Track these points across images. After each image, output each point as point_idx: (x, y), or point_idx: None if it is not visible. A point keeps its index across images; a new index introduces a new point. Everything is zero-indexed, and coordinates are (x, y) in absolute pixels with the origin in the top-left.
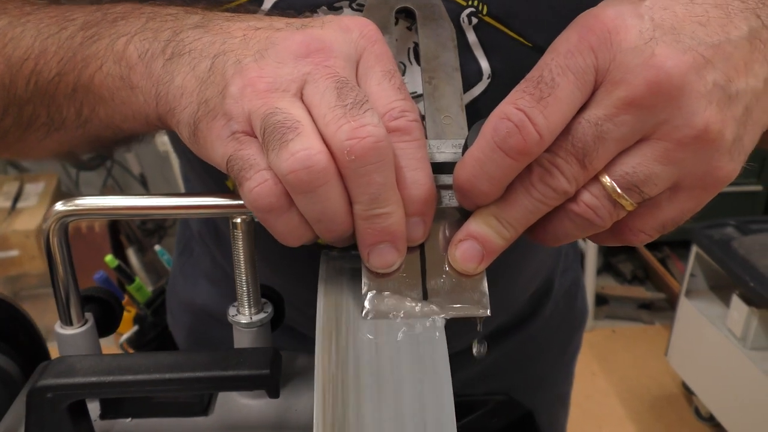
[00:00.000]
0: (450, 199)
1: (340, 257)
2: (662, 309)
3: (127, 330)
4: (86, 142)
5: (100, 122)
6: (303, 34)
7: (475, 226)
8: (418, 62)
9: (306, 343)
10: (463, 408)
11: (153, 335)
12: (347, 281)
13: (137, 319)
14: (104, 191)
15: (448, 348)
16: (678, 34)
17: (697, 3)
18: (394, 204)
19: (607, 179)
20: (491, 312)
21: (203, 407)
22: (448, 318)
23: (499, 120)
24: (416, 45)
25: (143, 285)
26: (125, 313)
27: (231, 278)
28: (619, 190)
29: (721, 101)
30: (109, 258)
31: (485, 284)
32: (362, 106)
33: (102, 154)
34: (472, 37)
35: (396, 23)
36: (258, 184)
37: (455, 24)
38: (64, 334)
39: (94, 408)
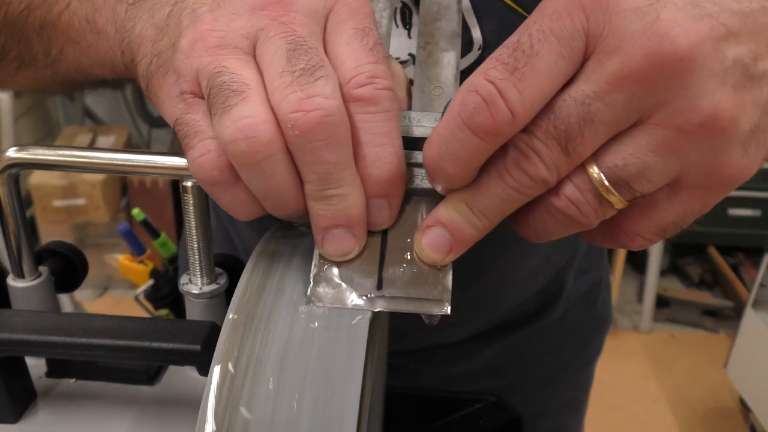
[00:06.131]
0: (423, 180)
1: (284, 236)
2: (729, 318)
3: (143, 283)
4: (57, 83)
5: (68, 64)
6: None
7: (444, 212)
8: (404, 25)
9: None
10: (449, 405)
11: (167, 290)
12: (285, 261)
13: (153, 274)
14: (171, 149)
15: (442, 338)
16: None
17: None
18: (349, 185)
19: (594, 170)
20: (486, 307)
21: (149, 376)
22: (401, 312)
23: (467, 93)
24: (404, 5)
25: (168, 240)
26: (142, 267)
27: (230, 239)
28: (607, 184)
29: (740, 82)
30: (136, 211)
31: (449, 279)
32: (314, 72)
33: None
34: (465, 0)
35: None
36: (201, 154)
37: None
38: (15, 287)
39: (40, 365)
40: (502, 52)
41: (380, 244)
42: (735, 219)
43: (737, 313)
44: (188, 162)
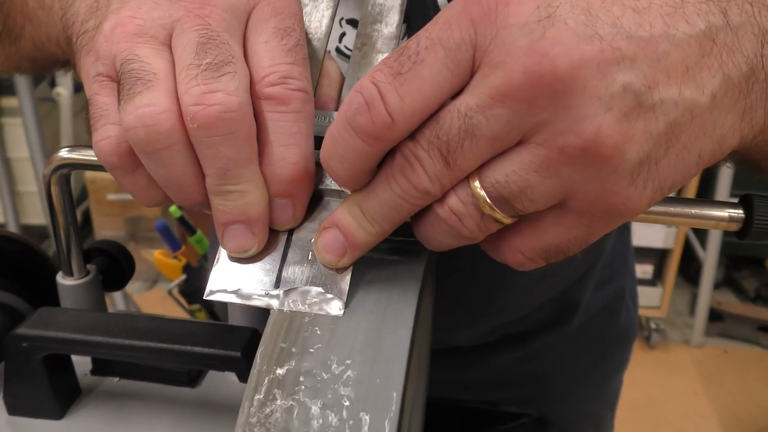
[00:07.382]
0: (332, 181)
1: None
2: None
3: (177, 278)
4: (25, 61)
5: (26, 41)
6: None
7: (340, 213)
8: None
9: None
10: (490, 418)
11: (198, 286)
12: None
13: (186, 269)
14: None
15: (449, 341)
16: (592, 18)
17: None
18: (249, 182)
19: (477, 185)
20: (487, 312)
21: (191, 378)
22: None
23: (353, 94)
24: None
25: (204, 237)
26: (175, 262)
27: None
28: (488, 201)
29: (629, 110)
30: (173, 208)
31: (347, 281)
32: (221, 68)
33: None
34: None
35: None
36: (102, 138)
37: None
38: (64, 285)
39: (86, 362)
40: (390, 56)
41: (285, 243)
42: None
43: None
44: (93, 144)
